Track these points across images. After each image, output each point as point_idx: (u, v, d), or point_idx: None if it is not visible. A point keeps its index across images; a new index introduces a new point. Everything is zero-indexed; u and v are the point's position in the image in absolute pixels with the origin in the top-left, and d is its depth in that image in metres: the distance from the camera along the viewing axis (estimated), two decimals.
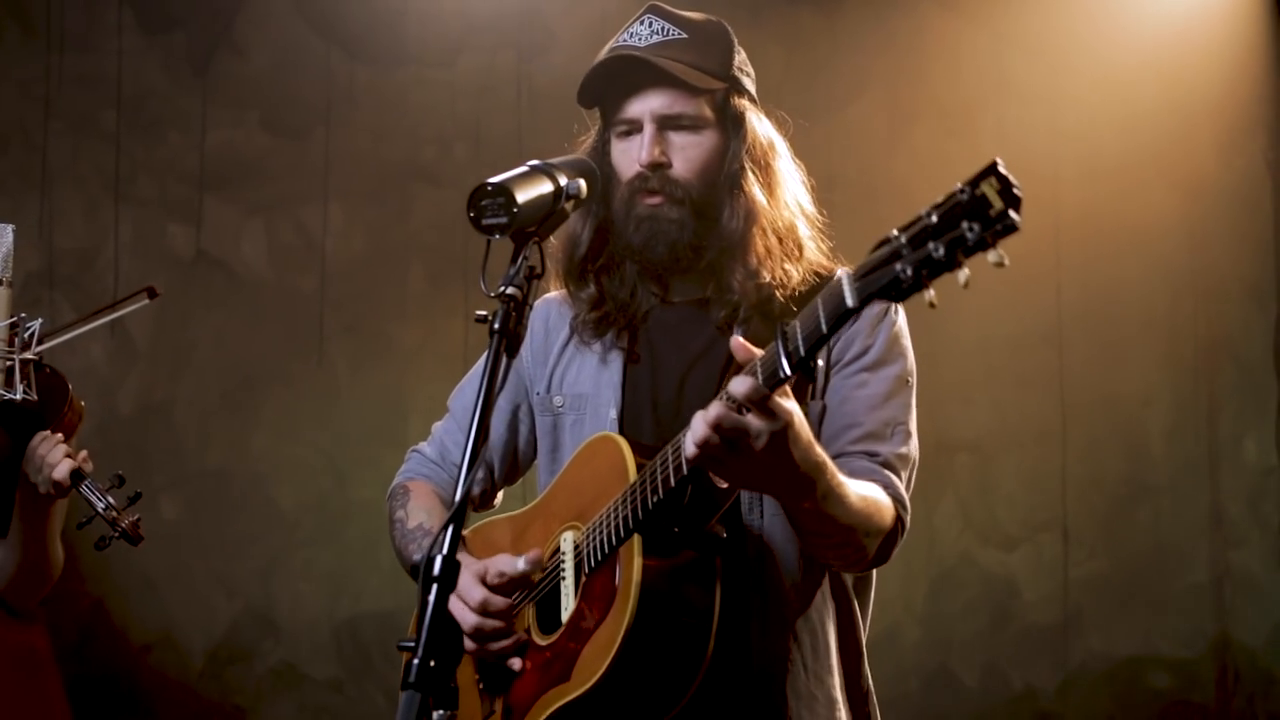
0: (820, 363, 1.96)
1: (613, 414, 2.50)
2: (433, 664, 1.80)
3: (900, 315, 2.50)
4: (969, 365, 5.76)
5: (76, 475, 3.33)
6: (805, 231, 2.54)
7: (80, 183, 5.29)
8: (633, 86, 2.47)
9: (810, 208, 2.60)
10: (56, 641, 5.08)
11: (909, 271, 1.70)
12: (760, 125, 2.54)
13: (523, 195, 2.03)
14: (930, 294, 1.71)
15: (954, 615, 5.71)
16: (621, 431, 2.45)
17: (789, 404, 1.98)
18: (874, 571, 2.57)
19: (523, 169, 2.12)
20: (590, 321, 2.57)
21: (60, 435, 3.35)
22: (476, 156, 5.43)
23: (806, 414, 2.37)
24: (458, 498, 1.89)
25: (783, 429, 1.97)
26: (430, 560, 1.85)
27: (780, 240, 2.49)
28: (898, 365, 2.46)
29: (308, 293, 5.38)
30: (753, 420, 1.96)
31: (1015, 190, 1.62)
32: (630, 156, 2.48)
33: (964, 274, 1.67)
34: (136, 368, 5.29)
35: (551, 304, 2.71)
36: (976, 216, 1.64)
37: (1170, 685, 5.76)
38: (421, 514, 2.62)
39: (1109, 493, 5.82)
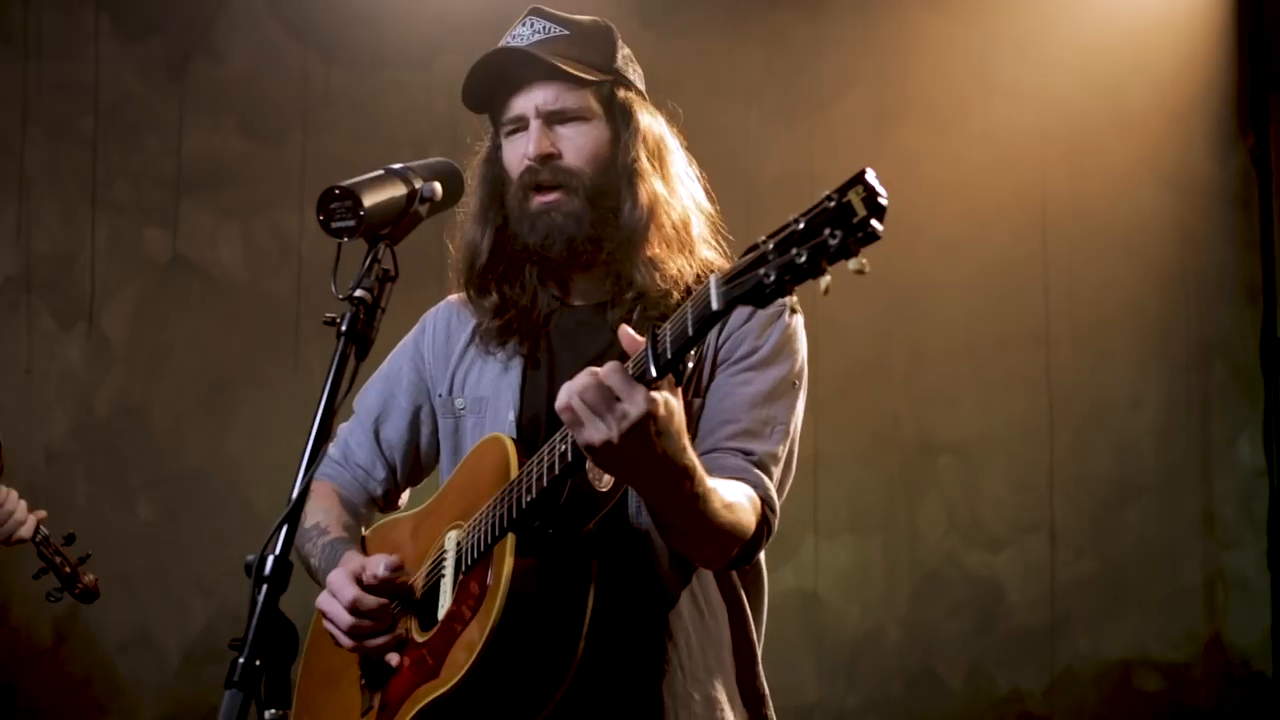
0: (690, 365, 1.95)
1: (511, 416, 2.50)
2: (258, 663, 1.82)
3: (795, 318, 2.48)
4: (955, 365, 5.74)
5: (36, 532, 3.60)
6: (699, 227, 2.54)
7: (58, 188, 5.34)
8: (517, 85, 2.48)
9: (705, 204, 2.59)
10: (33, 641, 5.18)
11: (772, 277, 1.72)
12: (651, 118, 2.55)
13: (370, 199, 2.06)
14: (792, 299, 1.73)
15: (938, 617, 5.68)
16: (519, 433, 2.46)
17: (660, 395, 1.97)
18: (765, 574, 2.56)
19: (376, 172, 2.15)
20: (493, 330, 2.57)
21: (15, 491, 3.57)
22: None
23: (686, 410, 2.38)
24: (294, 496, 1.92)
25: (645, 415, 1.95)
26: (262, 559, 1.87)
27: (677, 233, 2.49)
28: (785, 367, 2.45)
29: (284, 296, 5.41)
30: (619, 404, 1.95)
31: (880, 200, 1.64)
32: (519, 153, 2.49)
33: (825, 280, 1.70)
34: (113, 370, 5.34)
35: (454, 306, 2.72)
36: (840, 224, 1.66)
37: (1161, 687, 5.72)
38: (319, 513, 2.64)
39: (1098, 494, 5.78)
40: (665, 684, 2.37)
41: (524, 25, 2.53)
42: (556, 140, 2.46)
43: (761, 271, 1.73)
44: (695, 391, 2.41)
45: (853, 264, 1.67)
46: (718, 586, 2.47)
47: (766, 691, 2.53)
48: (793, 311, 1.74)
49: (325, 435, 1.97)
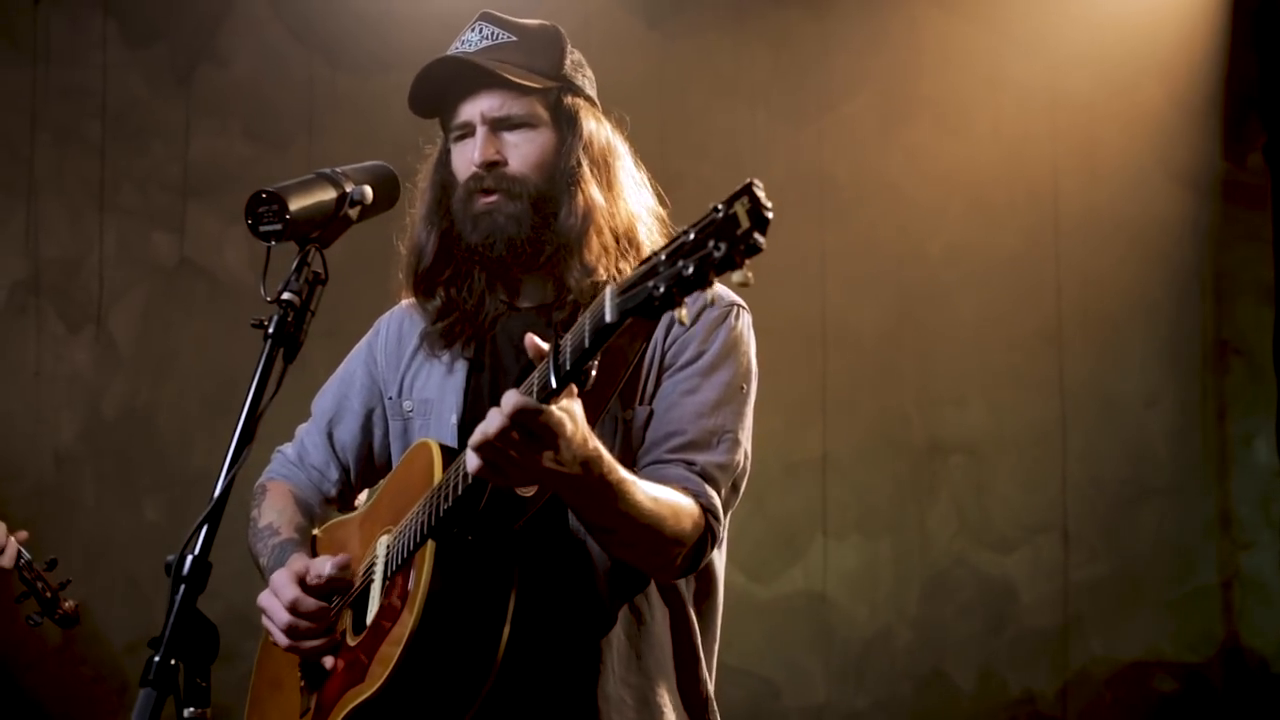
0: (593, 373, 1.95)
1: (454, 419, 2.52)
2: (174, 662, 1.84)
3: (741, 319, 2.48)
4: (965, 365, 5.71)
5: (17, 556, 3.66)
6: (645, 233, 2.54)
7: (65, 193, 5.40)
8: (465, 91, 2.50)
9: (657, 208, 2.59)
10: (42, 641, 5.23)
11: (661, 289, 1.70)
12: (596, 125, 2.55)
13: (297, 203, 2.08)
14: (681, 312, 1.71)
15: (948, 618, 5.65)
16: (460, 436, 2.47)
17: (559, 414, 1.97)
18: (718, 580, 2.54)
19: (306, 176, 2.17)
20: (437, 332, 2.58)
21: None
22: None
23: (632, 419, 2.37)
24: (215, 496, 1.94)
25: (554, 440, 1.97)
26: (181, 559, 1.89)
27: (617, 239, 2.49)
28: (731, 371, 2.43)
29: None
30: (525, 436, 1.96)
31: (765, 212, 1.62)
32: (466, 158, 2.51)
33: (710, 293, 1.69)
34: (121, 373, 5.40)
35: (406, 310, 2.74)
36: (725, 236, 1.64)
37: (1176, 690, 5.66)
38: (272, 514, 2.67)
39: (1111, 494, 5.74)
40: (599, 686, 2.37)
41: (473, 31, 2.54)
42: (503, 147, 2.48)
43: (651, 284, 1.71)
44: (642, 399, 2.41)
45: (737, 276, 1.64)
46: (658, 592, 2.46)
47: (711, 694, 2.52)
48: (681, 324, 1.72)
49: (249, 437, 2.00)
